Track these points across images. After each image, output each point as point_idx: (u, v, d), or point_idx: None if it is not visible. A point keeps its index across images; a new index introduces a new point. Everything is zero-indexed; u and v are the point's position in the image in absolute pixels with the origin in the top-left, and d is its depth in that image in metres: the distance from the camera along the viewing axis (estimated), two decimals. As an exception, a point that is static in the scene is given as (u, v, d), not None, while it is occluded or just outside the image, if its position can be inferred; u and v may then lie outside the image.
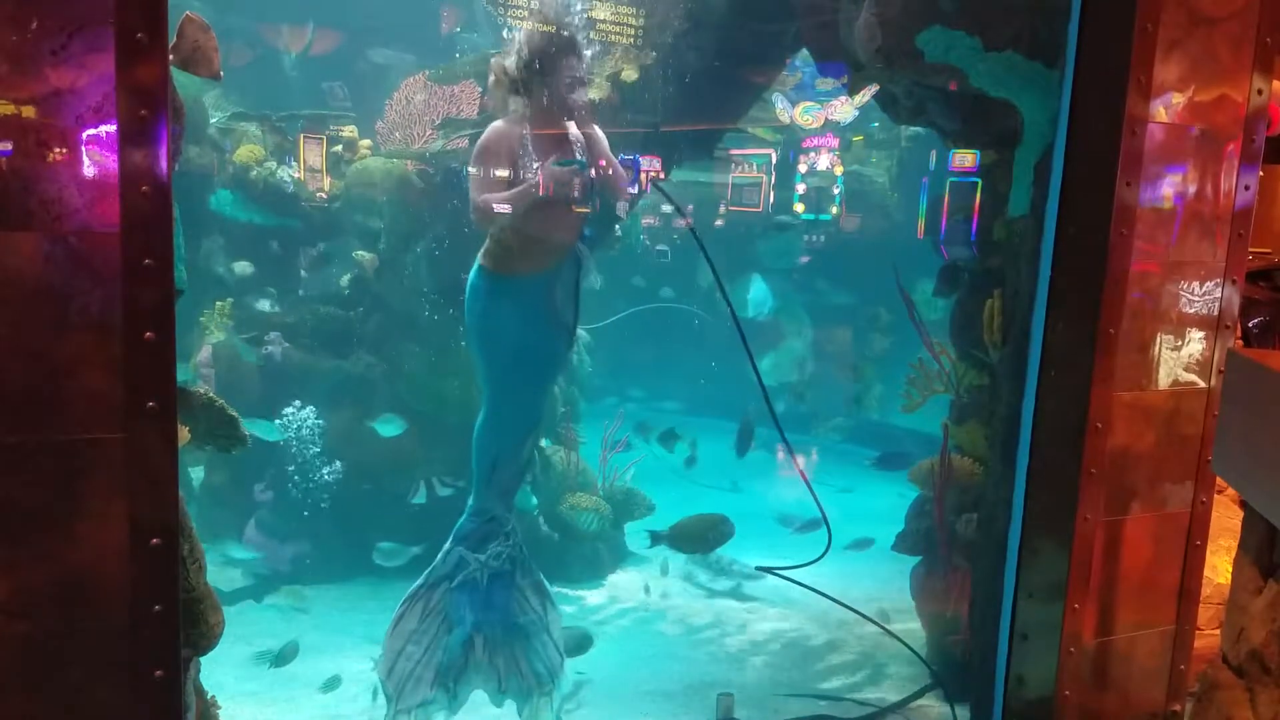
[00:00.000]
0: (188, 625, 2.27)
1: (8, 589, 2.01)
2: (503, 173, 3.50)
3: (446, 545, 3.77)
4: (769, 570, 4.16)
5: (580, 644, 4.54)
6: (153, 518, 2.09)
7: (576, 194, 3.48)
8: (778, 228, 8.34)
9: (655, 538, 5.24)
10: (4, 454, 1.97)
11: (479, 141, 3.58)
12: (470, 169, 3.57)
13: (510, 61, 3.54)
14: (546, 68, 3.47)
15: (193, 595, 2.31)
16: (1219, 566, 3.41)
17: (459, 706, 3.74)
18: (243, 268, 5.97)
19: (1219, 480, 3.16)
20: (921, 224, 4.31)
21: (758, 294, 8.23)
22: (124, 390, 2.03)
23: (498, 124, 3.58)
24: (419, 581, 3.77)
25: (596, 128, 3.69)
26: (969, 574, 3.94)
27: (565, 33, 3.49)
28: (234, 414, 2.56)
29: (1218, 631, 2.33)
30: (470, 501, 3.82)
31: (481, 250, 3.63)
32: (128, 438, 2.04)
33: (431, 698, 3.67)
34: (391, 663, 3.66)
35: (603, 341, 6.91)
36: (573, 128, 3.59)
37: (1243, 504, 2.13)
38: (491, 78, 3.67)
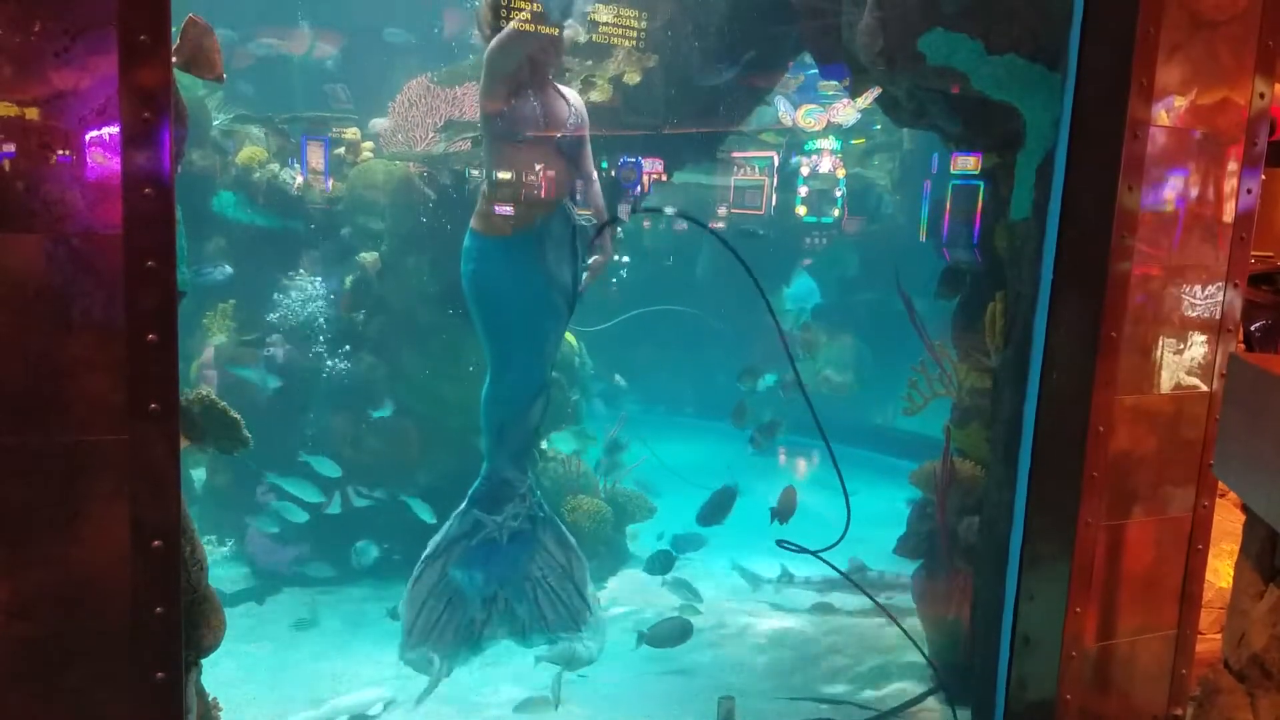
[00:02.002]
0: (189, 627, 2.27)
1: (9, 590, 2.01)
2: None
3: (461, 507, 3.86)
4: (786, 545, 4.16)
5: (682, 633, 4.57)
6: (155, 519, 2.09)
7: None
8: (743, 236, 8.19)
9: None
10: (6, 455, 1.97)
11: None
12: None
13: (479, 16, 3.73)
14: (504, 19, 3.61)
15: (194, 597, 2.31)
16: (1220, 570, 3.41)
17: (480, 654, 3.86)
18: (308, 285, 5.90)
19: (1220, 484, 3.16)
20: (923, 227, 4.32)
21: (800, 289, 8.01)
22: (126, 392, 2.03)
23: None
24: (436, 538, 3.83)
25: (572, 93, 3.79)
26: (970, 577, 3.93)
27: None
28: (236, 416, 2.56)
29: (1219, 636, 2.33)
30: (484, 466, 3.91)
31: (473, 215, 3.76)
32: (130, 439, 2.05)
33: (456, 647, 3.76)
34: (413, 619, 3.72)
35: (603, 342, 6.90)
36: (565, 91, 3.76)
37: (1244, 508, 2.13)
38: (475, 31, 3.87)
